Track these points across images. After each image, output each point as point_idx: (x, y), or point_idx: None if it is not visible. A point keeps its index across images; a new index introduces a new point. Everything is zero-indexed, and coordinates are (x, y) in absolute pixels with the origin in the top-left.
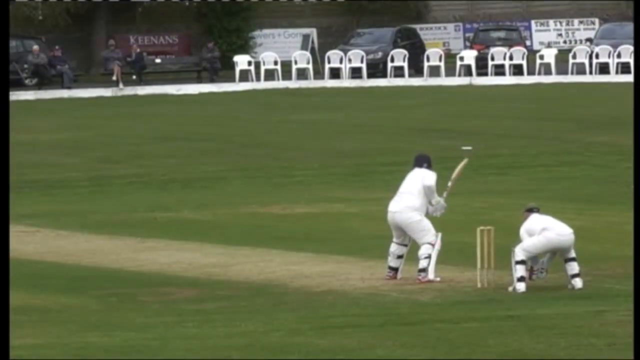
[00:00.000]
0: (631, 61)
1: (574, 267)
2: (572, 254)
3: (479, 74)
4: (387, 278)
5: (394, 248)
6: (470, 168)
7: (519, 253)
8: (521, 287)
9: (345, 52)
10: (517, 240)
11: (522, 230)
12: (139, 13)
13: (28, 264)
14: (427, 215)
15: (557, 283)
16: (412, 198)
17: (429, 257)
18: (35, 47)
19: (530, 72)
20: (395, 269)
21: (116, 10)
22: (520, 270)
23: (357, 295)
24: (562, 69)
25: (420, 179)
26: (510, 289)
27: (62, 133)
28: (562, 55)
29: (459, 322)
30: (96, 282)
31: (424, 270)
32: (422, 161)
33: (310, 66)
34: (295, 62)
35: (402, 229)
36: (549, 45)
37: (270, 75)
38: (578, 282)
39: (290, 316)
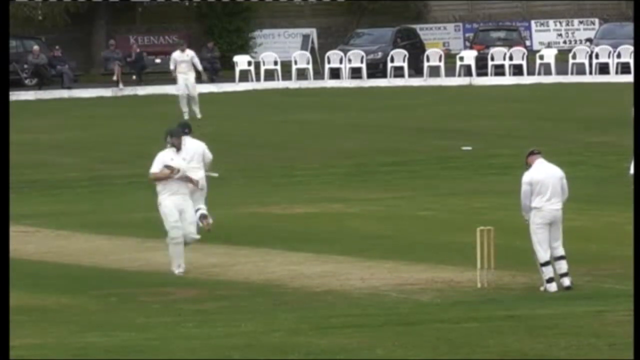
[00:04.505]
0: (631, 61)
1: (562, 266)
2: (562, 251)
3: (479, 74)
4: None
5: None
6: (470, 168)
7: (538, 251)
8: (552, 287)
9: (345, 52)
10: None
11: (524, 182)
12: (139, 13)
13: (28, 264)
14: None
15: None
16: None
17: None
18: (35, 48)
19: (530, 72)
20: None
21: (116, 10)
22: (547, 272)
23: (357, 295)
24: (562, 69)
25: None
26: (542, 289)
27: (62, 133)
28: (562, 56)
29: (459, 322)
30: (96, 282)
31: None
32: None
33: (310, 66)
34: (295, 62)
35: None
36: (549, 46)
37: (270, 75)
38: (566, 281)
39: (290, 316)
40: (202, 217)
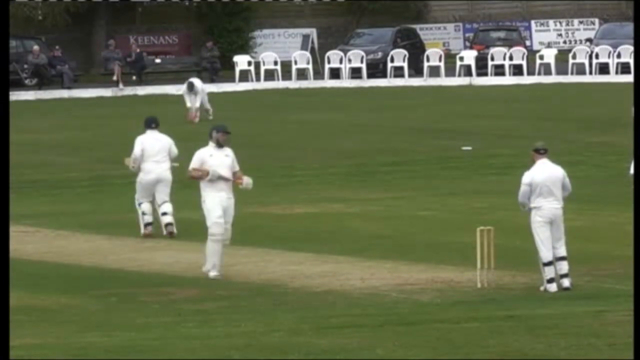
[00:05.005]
0: (631, 61)
1: (563, 267)
2: (563, 252)
3: (479, 74)
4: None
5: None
6: (470, 168)
7: (541, 250)
8: (552, 287)
9: (345, 52)
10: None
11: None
12: (139, 13)
13: (28, 264)
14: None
15: None
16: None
17: None
18: (35, 48)
19: (530, 72)
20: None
21: (116, 10)
22: (549, 272)
23: (357, 295)
24: (562, 69)
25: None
26: (542, 289)
27: (62, 133)
28: (562, 56)
29: (459, 322)
30: (96, 282)
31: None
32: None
33: (310, 66)
34: (295, 62)
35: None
36: (549, 46)
37: (270, 75)
38: (565, 282)
39: (290, 316)
40: (168, 226)
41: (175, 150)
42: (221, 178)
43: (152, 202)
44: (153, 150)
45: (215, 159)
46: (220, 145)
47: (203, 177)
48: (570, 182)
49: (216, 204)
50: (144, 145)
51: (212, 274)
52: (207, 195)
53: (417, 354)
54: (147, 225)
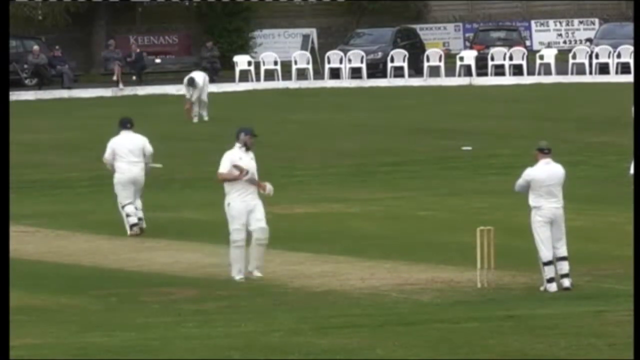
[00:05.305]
0: (631, 61)
1: (563, 267)
2: (564, 252)
3: (479, 74)
4: None
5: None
6: (470, 168)
7: (541, 250)
8: (552, 287)
9: (345, 52)
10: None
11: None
12: (139, 13)
13: (28, 264)
14: None
15: None
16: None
17: None
18: (35, 48)
19: (530, 72)
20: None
21: (116, 10)
22: (549, 272)
23: (357, 295)
24: (562, 69)
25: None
26: (542, 288)
27: (62, 133)
28: (562, 56)
29: (459, 322)
30: (96, 282)
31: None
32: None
33: (310, 66)
34: (295, 62)
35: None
36: (549, 46)
37: (270, 75)
38: (566, 282)
39: (290, 316)
40: (133, 225)
41: (149, 149)
42: (252, 182)
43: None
44: (125, 151)
45: (244, 162)
46: (247, 148)
47: (240, 177)
48: (568, 184)
49: (242, 211)
50: (114, 146)
51: (239, 277)
52: (234, 201)
53: (417, 354)
54: (132, 226)
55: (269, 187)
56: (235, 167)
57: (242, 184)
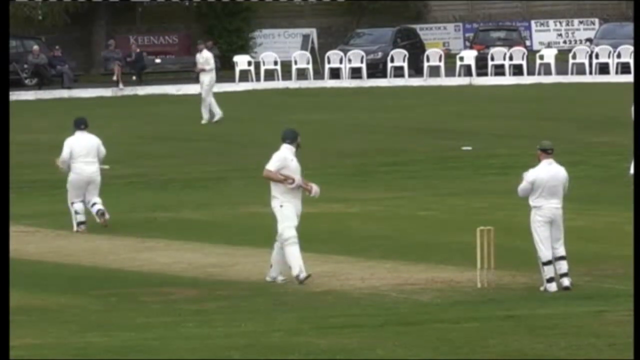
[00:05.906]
0: (631, 61)
1: (562, 266)
2: (562, 251)
3: (479, 74)
4: None
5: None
6: (470, 168)
7: (540, 250)
8: (552, 287)
9: (345, 52)
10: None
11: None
12: (139, 13)
13: (28, 264)
14: None
15: None
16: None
17: None
18: (35, 47)
19: (530, 72)
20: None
21: (116, 10)
22: (548, 272)
23: (357, 295)
24: (562, 69)
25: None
26: (542, 288)
27: (62, 133)
28: (562, 56)
29: (459, 322)
30: (96, 282)
31: None
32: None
33: (310, 66)
34: (295, 62)
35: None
36: (549, 46)
37: (270, 75)
38: (565, 281)
39: (290, 316)
40: (100, 213)
41: (103, 150)
42: (300, 187)
43: (83, 201)
44: (82, 151)
45: (294, 164)
46: (297, 148)
47: (286, 183)
48: (568, 184)
49: (295, 213)
50: (72, 146)
51: (302, 275)
52: (288, 202)
53: (417, 354)
54: (79, 224)
55: (315, 188)
56: (286, 176)
57: (297, 189)
